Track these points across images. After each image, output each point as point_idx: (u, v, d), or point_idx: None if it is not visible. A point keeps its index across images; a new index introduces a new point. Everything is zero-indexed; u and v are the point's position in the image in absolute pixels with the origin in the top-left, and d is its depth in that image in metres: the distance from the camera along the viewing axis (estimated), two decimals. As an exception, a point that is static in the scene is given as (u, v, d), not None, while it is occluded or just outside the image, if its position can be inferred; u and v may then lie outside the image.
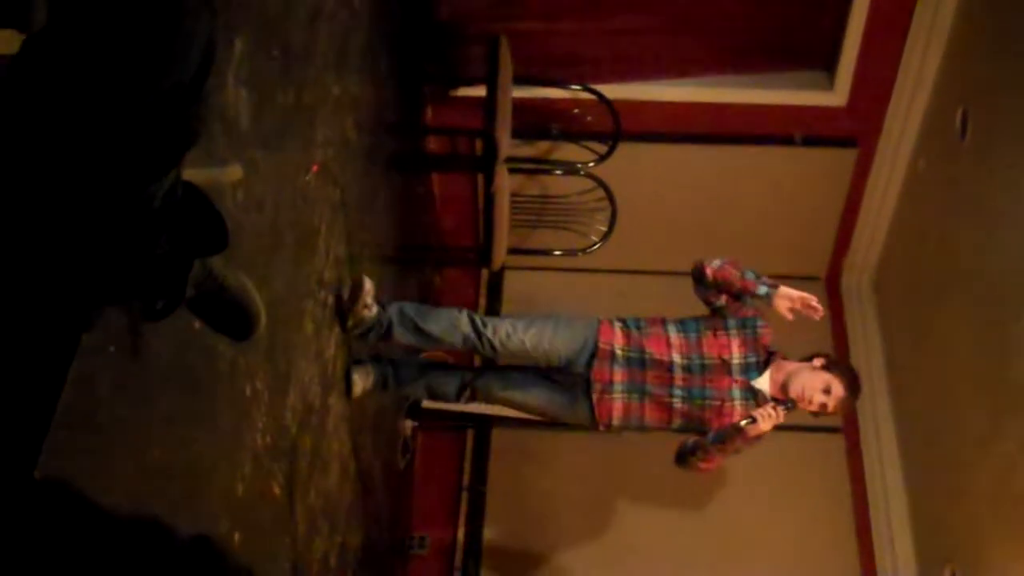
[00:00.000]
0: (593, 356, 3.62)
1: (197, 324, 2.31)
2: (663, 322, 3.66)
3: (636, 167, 5.11)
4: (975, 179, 4.31)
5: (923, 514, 4.88)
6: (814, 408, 3.49)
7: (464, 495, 5.38)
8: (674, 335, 3.61)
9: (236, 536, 2.63)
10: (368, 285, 3.61)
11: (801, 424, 5.43)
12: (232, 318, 2.33)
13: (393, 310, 3.73)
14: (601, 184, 4.94)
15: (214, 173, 2.29)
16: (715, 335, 3.58)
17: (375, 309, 3.67)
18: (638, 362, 3.59)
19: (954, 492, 4.44)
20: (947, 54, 4.63)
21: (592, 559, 5.24)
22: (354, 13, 3.69)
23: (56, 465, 1.72)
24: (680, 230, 5.54)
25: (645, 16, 4.84)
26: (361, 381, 3.77)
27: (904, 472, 5.11)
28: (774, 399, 3.52)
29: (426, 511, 5.41)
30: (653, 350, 3.59)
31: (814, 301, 3.45)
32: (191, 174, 1.93)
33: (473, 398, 3.94)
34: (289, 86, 2.94)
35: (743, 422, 3.44)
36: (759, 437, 3.50)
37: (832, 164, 5.29)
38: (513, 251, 4.88)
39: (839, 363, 3.64)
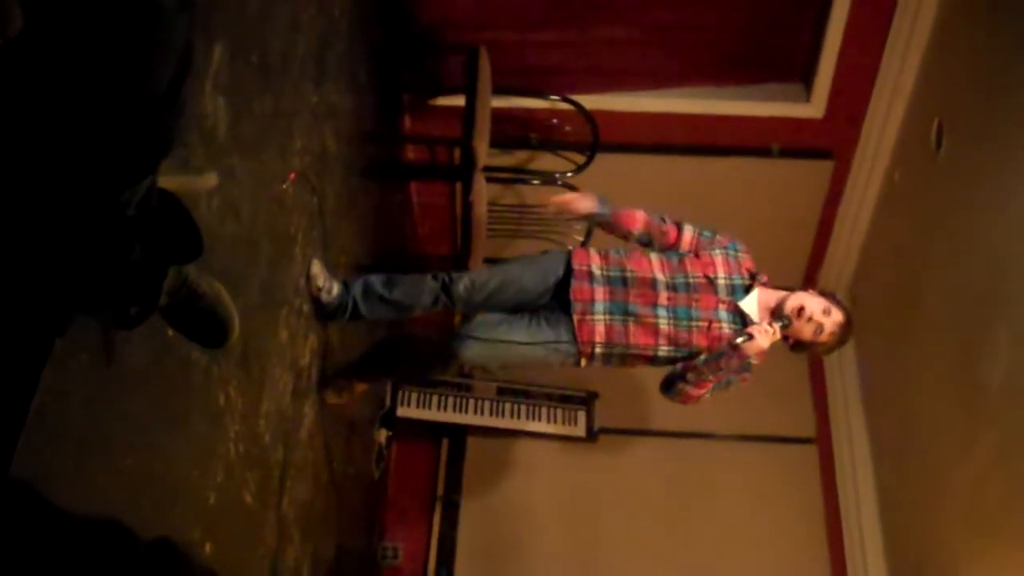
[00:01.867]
0: (569, 277, 3.50)
1: (171, 332, 2.30)
2: (644, 250, 3.61)
3: (614, 177, 5.11)
4: (950, 190, 4.34)
5: (894, 525, 4.90)
6: (809, 331, 3.39)
7: (438, 505, 5.37)
8: (655, 257, 3.55)
9: (208, 545, 2.62)
10: (315, 268, 3.50)
11: (774, 435, 5.51)
12: (206, 326, 2.31)
13: (356, 288, 3.62)
14: (579, 194, 4.94)
15: (190, 180, 2.28)
16: (698, 256, 3.53)
17: (336, 290, 3.57)
18: (619, 280, 3.48)
19: (926, 503, 4.46)
20: (923, 67, 4.66)
21: (566, 568, 5.23)
22: (333, 21, 3.69)
23: (28, 469, 1.71)
24: (657, 240, 5.56)
25: (624, 28, 4.85)
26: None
27: (876, 483, 5.13)
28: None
29: (399, 521, 5.39)
30: (635, 267, 3.50)
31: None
32: (166, 181, 1.93)
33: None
34: (267, 94, 2.93)
35: (739, 339, 3.32)
36: (750, 360, 3.38)
37: (808, 176, 5.32)
38: (490, 260, 4.87)
39: (836, 295, 3.57)
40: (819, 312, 3.39)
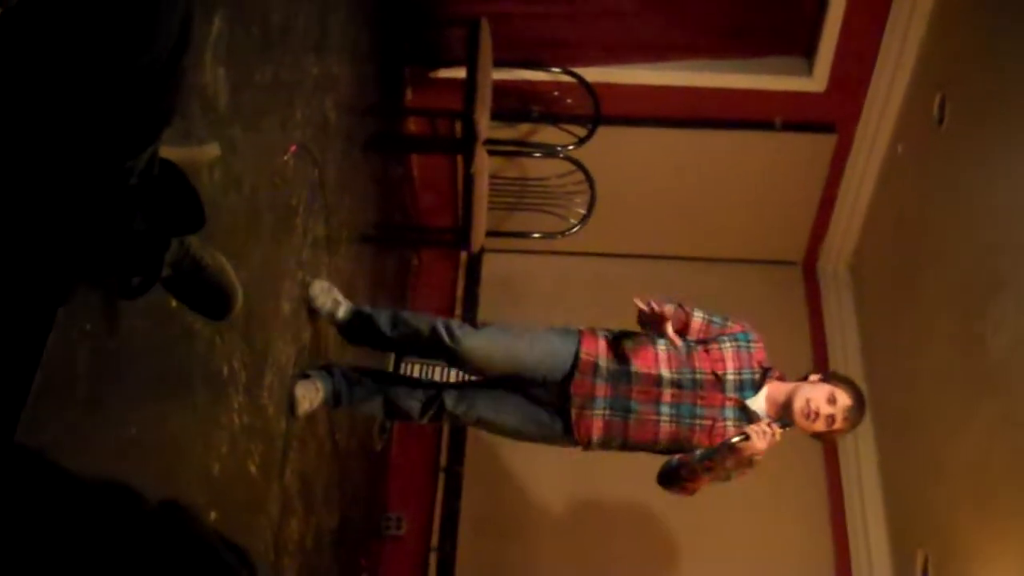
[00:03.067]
0: (574, 368, 3.38)
1: (174, 303, 2.30)
2: (653, 337, 3.43)
3: (615, 150, 5.12)
4: (952, 164, 4.34)
5: (896, 498, 4.92)
6: (819, 425, 3.26)
7: (441, 476, 5.39)
8: (663, 349, 3.39)
9: (212, 515, 2.64)
10: (315, 290, 3.50)
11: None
12: (209, 297, 2.32)
13: (382, 315, 3.59)
14: (580, 167, 4.94)
15: (191, 151, 2.28)
16: (707, 350, 3.39)
17: (342, 313, 3.54)
18: (623, 375, 3.35)
19: (928, 476, 4.48)
20: (926, 40, 4.64)
21: (569, 541, 5.26)
22: (334, -8, 3.68)
23: (32, 438, 1.72)
24: (659, 214, 5.56)
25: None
26: (307, 398, 3.39)
27: (878, 456, 5.14)
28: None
29: (403, 492, 5.41)
30: (639, 363, 3.35)
31: None
32: (168, 152, 1.93)
33: (438, 418, 3.60)
34: (268, 64, 2.92)
35: (735, 439, 3.21)
36: (752, 459, 3.26)
37: (811, 149, 5.31)
38: (492, 233, 4.87)
39: (837, 374, 3.47)
40: (824, 403, 3.25)
